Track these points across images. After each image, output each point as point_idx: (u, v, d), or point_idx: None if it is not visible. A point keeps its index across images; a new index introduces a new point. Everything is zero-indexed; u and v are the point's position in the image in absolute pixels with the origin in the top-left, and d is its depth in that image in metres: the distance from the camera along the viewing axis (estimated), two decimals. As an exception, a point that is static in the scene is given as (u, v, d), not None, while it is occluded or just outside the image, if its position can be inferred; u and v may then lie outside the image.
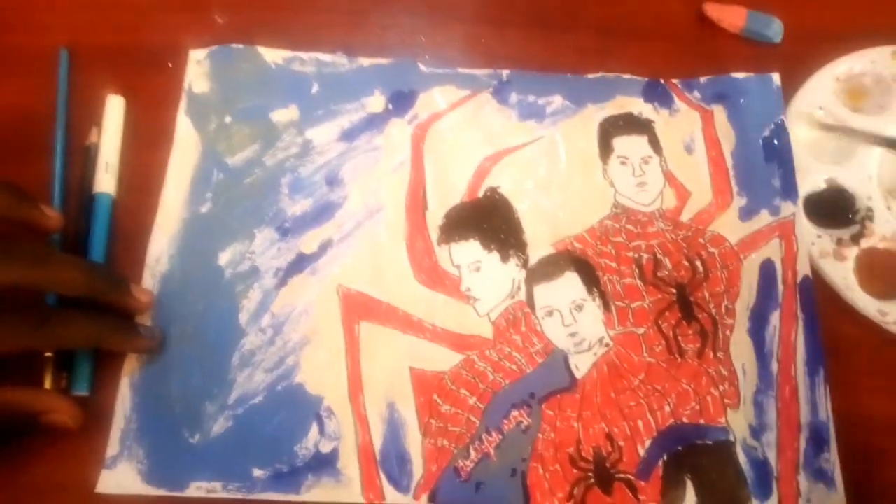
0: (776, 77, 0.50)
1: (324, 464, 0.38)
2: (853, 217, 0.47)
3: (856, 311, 0.44)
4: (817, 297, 0.44)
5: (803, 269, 0.44)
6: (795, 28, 0.51)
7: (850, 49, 0.50)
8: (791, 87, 0.50)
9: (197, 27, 0.48)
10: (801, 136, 0.49)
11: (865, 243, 0.46)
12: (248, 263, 0.42)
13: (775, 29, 0.51)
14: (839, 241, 0.46)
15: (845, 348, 0.43)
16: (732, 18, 0.51)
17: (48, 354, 0.38)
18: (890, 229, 0.46)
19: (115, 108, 0.44)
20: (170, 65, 0.46)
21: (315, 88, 0.47)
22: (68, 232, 0.41)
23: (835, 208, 0.47)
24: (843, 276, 0.45)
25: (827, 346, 0.43)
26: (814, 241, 0.45)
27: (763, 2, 0.51)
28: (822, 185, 0.48)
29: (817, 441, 0.40)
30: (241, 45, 0.47)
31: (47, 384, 0.38)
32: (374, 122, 0.46)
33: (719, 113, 0.49)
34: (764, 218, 0.46)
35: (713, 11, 0.51)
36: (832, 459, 0.40)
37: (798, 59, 0.50)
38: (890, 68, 0.50)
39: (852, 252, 0.45)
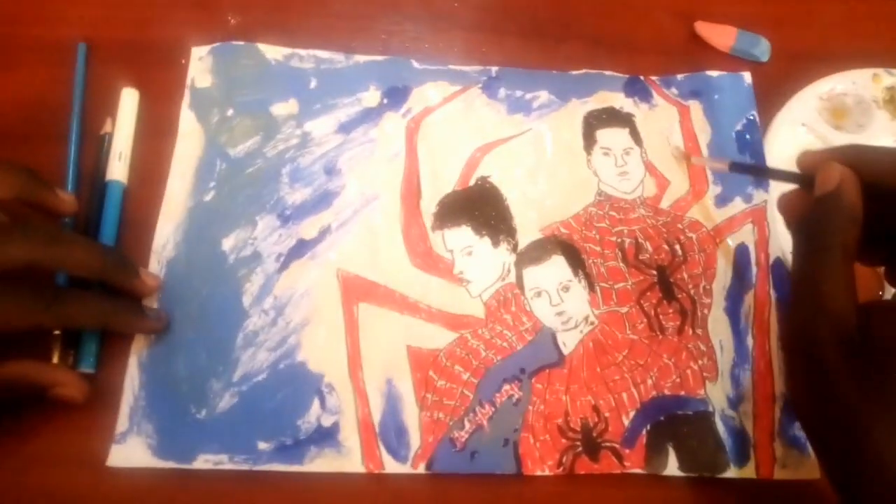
0: (747, 76, 0.53)
1: (325, 436, 0.40)
2: None
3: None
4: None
5: (775, 252, 0.47)
6: (782, 48, 0.54)
7: (834, 70, 0.53)
8: (776, 104, 0.52)
9: (209, 26, 0.50)
10: (784, 150, 0.51)
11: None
12: (250, 249, 0.44)
13: (763, 48, 0.53)
14: None
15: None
16: (722, 37, 0.53)
17: (56, 332, 0.39)
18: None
19: (129, 101, 0.46)
20: (182, 61, 0.48)
21: (313, 83, 0.49)
22: (81, 217, 0.42)
23: None
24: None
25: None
26: (789, 245, 0.47)
27: (752, 22, 0.54)
28: None
29: (791, 410, 0.43)
30: (241, 42, 0.49)
31: (55, 360, 0.39)
32: (369, 116, 0.48)
33: (695, 108, 0.51)
34: (738, 205, 0.48)
35: (704, 30, 0.54)
36: None
37: (783, 78, 0.52)
38: (870, 89, 0.53)
39: None
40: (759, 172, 0.48)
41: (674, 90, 0.52)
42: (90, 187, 0.44)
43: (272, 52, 0.49)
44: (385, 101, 0.49)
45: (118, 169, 0.44)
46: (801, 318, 0.32)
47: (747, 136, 0.51)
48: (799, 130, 0.52)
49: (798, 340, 0.33)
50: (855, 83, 0.53)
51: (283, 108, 0.48)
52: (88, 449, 0.38)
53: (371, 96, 0.49)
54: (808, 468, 0.42)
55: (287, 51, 0.49)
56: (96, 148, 0.45)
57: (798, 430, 0.42)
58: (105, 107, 0.46)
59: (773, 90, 0.52)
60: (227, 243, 0.44)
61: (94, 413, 0.39)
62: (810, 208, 0.34)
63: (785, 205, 0.37)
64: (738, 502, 0.41)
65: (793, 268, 0.35)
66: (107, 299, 0.39)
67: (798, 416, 0.36)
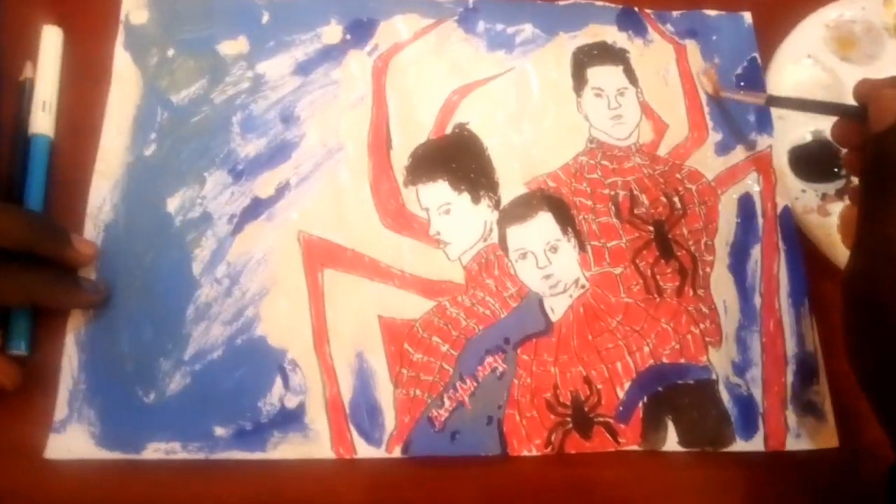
0: (747, 16, 0.49)
1: (290, 419, 0.37)
2: (838, 171, 0.45)
3: (839, 269, 0.43)
4: (802, 251, 0.43)
5: (783, 200, 0.44)
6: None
7: (842, -7, 0.49)
8: (779, 33, 0.48)
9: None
10: (789, 85, 0.47)
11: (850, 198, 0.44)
12: (199, 210, 0.40)
13: (766, -29, 0.49)
14: (824, 196, 0.44)
15: (829, 306, 0.42)
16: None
17: (-20, 312, 0.36)
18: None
19: (52, 40, 0.41)
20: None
21: (265, 17, 0.44)
22: (2, 178, 0.38)
23: (820, 161, 0.46)
24: (827, 232, 0.43)
25: (811, 304, 0.42)
26: (798, 195, 0.44)
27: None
28: (808, 138, 0.46)
29: (805, 373, 0.40)
30: (182, -29, 0.43)
31: (-21, 343, 0.36)
32: (330, 54, 0.44)
33: (692, 48, 0.48)
34: (740, 153, 0.45)
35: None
36: (822, 391, 0.40)
37: (787, 4, 0.48)
38: (881, 16, 0.49)
39: (836, 207, 0.44)
40: (803, 106, 0.43)
41: (669, 27, 0.48)
42: (10, 143, 0.39)
43: (218, -19, 0.44)
44: (348, 36, 0.44)
45: (43, 120, 0.40)
46: (864, 263, 0.31)
47: (749, 81, 0.47)
48: (804, 63, 0.48)
49: (860, 288, 0.31)
50: (865, 9, 0.49)
51: (232, 47, 0.43)
52: (23, 439, 0.35)
53: (332, 31, 0.44)
54: (825, 436, 0.39)
55: (235, -20, 0.44)
56: (16, 97, 0.40)
57: (814, 395, 0.40)
58: (24, 48, 0.41)
59: (776, 18, 0.48)
60: (173, 204, 0.40)
61: (28, 399, 0.36)
62: (868, 146, 0.32)
63: (839, 135, 0.36)
64: (745, 478, 0.38)
65: (859, 211, 0.33)
66: (36, 272, 0.36)
67: (856, 373, 0.34)
